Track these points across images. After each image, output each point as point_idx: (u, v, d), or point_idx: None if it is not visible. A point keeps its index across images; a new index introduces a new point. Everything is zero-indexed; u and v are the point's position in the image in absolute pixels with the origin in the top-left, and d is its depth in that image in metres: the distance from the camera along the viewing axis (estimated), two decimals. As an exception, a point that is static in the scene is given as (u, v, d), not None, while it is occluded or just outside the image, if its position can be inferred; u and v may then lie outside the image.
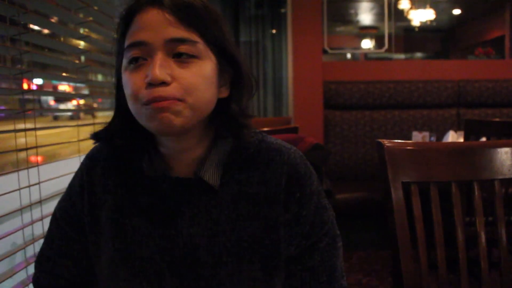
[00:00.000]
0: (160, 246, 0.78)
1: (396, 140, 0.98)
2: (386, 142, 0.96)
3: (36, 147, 1.24)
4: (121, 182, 0.82)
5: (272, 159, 0.79)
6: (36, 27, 1.42)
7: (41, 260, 0.90)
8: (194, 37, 0.71)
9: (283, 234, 0.78)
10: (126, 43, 0.72)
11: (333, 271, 0.81)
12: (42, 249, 0.91)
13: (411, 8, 6.87)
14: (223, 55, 0.75)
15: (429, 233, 0.97)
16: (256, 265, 0.76)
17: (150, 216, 0.79)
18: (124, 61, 0.73)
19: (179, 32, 0.70)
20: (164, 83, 0.68)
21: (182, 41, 0.70)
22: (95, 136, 0.81)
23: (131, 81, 0.71)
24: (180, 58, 0.70)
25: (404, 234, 0.95)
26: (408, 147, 0.97)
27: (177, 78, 0.69)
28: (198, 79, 0.71)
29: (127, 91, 0.72)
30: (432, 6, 7.07)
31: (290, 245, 0.79)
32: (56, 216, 0.89)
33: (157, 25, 0.70)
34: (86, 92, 1.89)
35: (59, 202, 0.90)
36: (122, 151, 0.83)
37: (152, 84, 0.68)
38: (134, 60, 0.71)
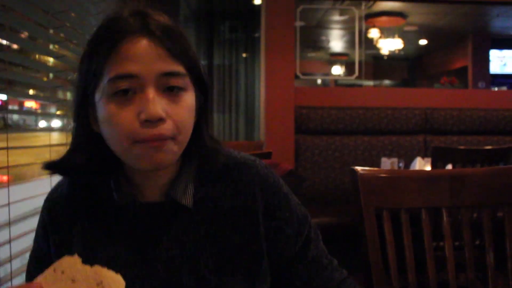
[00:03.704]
0: (139, 274, 0.76)
1: (368, 168, 1.01)
2: (359, 170, 0.99)
3: (8, 167, 1.21)
4: (88, 214, 0.79)
5: (241, 173, 0.81)
6: (5, 42, 1.40)
7: None
8: (181, 69, 0.70)
9: (274, 241, 0.80)
10: (111, 73, 0.67)
11: (326, 253, 0.87)
12: None
13: (380, 37, 7.10)
14: (198, 83, 0.75)
15: (400, 257, 0.99)
16: (238, 277, 0.77)
17: (125, 245, 0.77)
18: (105, 91, 0.68)
19: (170, 65, 0.68)
20: (161, 120, 0.67)
21: (173, 74, 0.69)
22: (49, 167, 0.75)
23: (120, 117, 0.67)
24: (172, 92, 0.69)
25: (377, 259, 0.97)
26: (381, 175, 0.99)
27: (170, 115, 0.68)
28: (187, 113, 0.71)
29: (113, 127, 0.68)
30: (400, 36, 7.33)
31: (291, 245, 0.82)
32: (29, 270, 0.84)
33: (148, 57, 0.67)
34: (53, 110, 1.86)
35: (30, 256, 0.85)
36: (85, 183, 0.79)
37: (150, 121, 0.66)
38: (121, 92, 0.67)
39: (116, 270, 0.74)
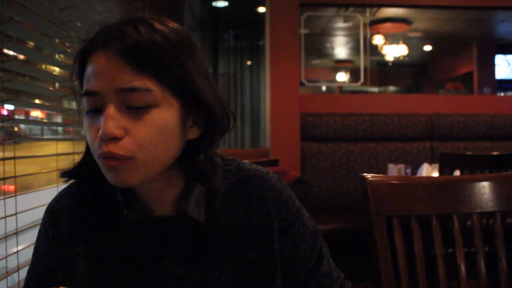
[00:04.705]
0: None
1: (378, 175, 0.99)
2: (369, 177, 0.98)
3: (15, 176, 1.21)
4: (95, 229, 0.75)
5: (255, 187, 0.78)
6: (11, 53, 1.41)
7: None
8: (148, 84, 0.64)
9: (289, 256, 0.79)
10: (83, 88, 0.68)
11: (334, 266, 0.88)
12: None
13: (384, 44, 7.10)
14: (188, 96, 0.68)
15: (411, 264, 0.98)
16: None
17: (134, 262, 0.74)
18: (84, 105, 0.69)
19: (130, 80, 0.64)
20: (114, 139, 0.63)
21: (133, 90, 0.64)
22: (66, 174, 0.74)
23: (89, 133, 0.67)
24: (134, 109, 0.65)
25: (387, 267, 0.96)
26: (391, 182, 0.98)
27: (130, 132, 0.64)
28: (152, 131, 0.65)
29: (88, 141, 0.69)
30: (405, 42, 7.32)
31: (306, 261, 0.82)
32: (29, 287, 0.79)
33: (106, 72, 0.64)
34: (59, 119, 1.87)
35: (28, 273, 0.81)
36: (92, 194, 0.76)
37: (102, 139, 0.64)
38: (92, 112, 0.67)
39: None
